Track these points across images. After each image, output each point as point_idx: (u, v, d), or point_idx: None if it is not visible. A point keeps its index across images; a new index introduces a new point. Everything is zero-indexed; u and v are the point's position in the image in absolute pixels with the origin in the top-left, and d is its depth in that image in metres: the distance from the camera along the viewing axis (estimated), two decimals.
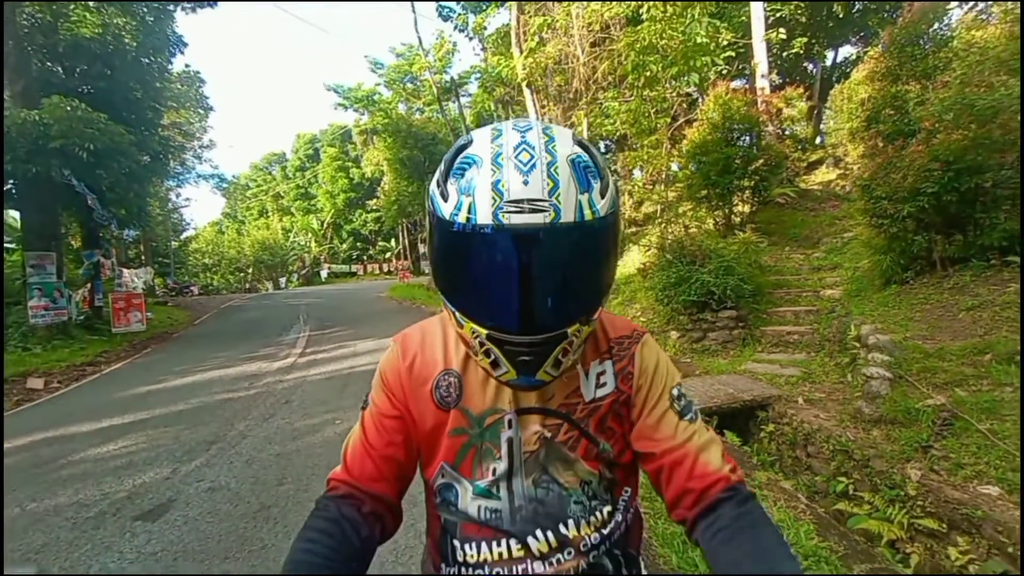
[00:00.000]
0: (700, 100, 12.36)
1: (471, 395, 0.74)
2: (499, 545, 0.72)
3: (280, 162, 50.45)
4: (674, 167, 11.46)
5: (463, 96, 26.73)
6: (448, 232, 0.62)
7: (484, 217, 0.58)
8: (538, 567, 0.71)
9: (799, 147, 13.64)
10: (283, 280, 37.24)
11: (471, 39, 18.80)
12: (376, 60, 27.96)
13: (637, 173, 14.16)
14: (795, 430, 4.29)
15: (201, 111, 26.19)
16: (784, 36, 10.97)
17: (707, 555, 0.66)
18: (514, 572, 0.71)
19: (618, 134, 13.50)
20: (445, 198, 0.62)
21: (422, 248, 37.66)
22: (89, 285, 12.36)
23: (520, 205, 0.57)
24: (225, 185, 37.62)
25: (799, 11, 13.88)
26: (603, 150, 22.95)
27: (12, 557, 2.75)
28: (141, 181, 12.81)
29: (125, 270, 16.79)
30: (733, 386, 5.01)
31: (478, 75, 25.59)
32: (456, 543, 0.75)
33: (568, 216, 0.58)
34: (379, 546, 0.73)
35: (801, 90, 12.87)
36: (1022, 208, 4.40)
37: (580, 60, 10.68)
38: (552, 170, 0.59)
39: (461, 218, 0.60)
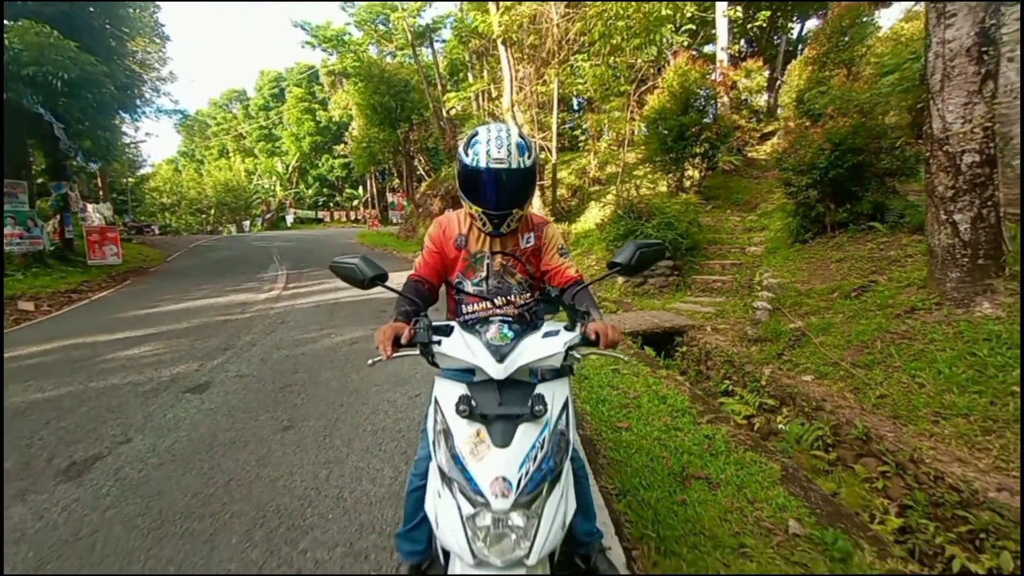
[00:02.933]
0: (670, 64, 13.14)
1: (471, 244, 1.72)
2: (482, 302, 1.72)
3: (241, 100, 48.03)
4: (643, 129, 12.32)
5: (436, 42, 26.32)
6: (469, 168, 1.56)
7: (483, 164, 1.53)
8: (498, 312, 1.72)
9: (754, 118, 14.71)
10: (247, 223, 36.59)
11: None
12: None
13: (607, 133, 14.99)
14: (700, 350, 5.55)
15: (157, 40, 24.81)
16: (741, 15, 11.74)
17: (563, 304, 1.69)
18: (488, 314, 1.72)
19: (588, 94, 14.21)
20: (467, 155, 1.56)
21: (391, 197, 37.58)
22: (59, 217, 12.44)
23: (497, 160, 1.52)
24: (188, 121, 35.88)
25: None
26: (575, 107, 23.49)
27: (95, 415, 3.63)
28: (109, 113, 12.71)
29: (89, 204, 16.60)
30: (659, 318, 6.22)
31: (451, 20, 25.20)
32: (463, 306, 1.75)
33: (514, 165, 1.53)
34: (427, 308, 1.72)
35: (761, 62, 13.82)
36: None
37: (554, 21, 11.21)
38: (509, 147, 1.53)
39: (474, 164, 1.54)
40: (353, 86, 26.04)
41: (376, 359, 1.36)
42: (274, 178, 42.10)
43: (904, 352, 3.62)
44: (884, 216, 5.78)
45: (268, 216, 39.36)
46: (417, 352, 1.32)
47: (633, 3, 8.36)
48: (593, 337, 1.34)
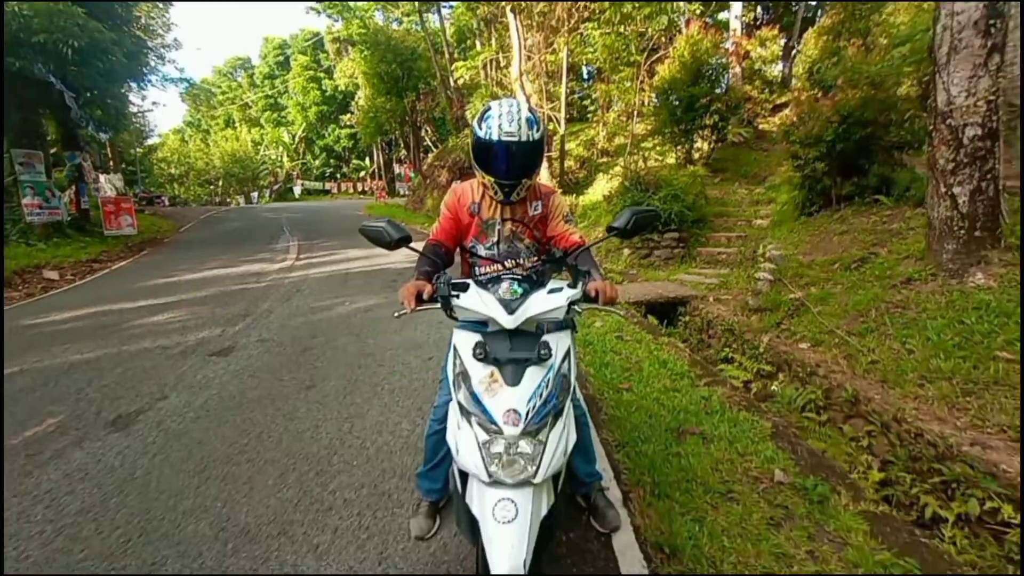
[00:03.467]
0: (682, 32, 12.83)
1: (484, 211, 1.87)
2: (493, 264, 1.89)
3: (246, 67, 47.39)
4: (654, 99, 12.12)
5: (444, 7, 25.69)
6: (482, 141, 1.69)
7: (495, 136, 1.66)
8: (507, 273, 1.89)
9: (767, 88, 14.39)
10: (255, 195, 36.67)
11: None
12: None
13: (616, 104, 14.77)
14: (702, 319, 5.71)
15: (160, 5, 24.43)
16: None
17: (567, 265, 1.84)
18: (499, 275, 1.89)
19: (598, 63, 13.96)
20: (480, 128, 1.69)
21: (398, 168, 37.38)
22: (74, 187, 12.63)
23: (508, 134, 1.66)
24: (193, 90, 35.70)
25: None
26: (585, 76, 23.06)
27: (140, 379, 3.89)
28: (117, 82, 12.73)
29: (101, 175, 16.75)
30: (663, 289, 6.37)
31: None
32: (477, 268, 1.91)
33: (524, 138, 1.67)
34: (444, 269, 1.88)
35: (776, 31, 13.45)
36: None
37: None
38: (520, 120, 1.66)
39: (487, 136, 1.67)
40: (359, 54, 25.64)
41: (402, 312, 1.54)
42: (281, 148, 41.92)
43: (897, 320, 3.76)
44: (890, 189, 5.81)
45: (276, 187, 39.39)
46: (438, 306, 1.49)
47: None
48: (593, 294, 1.51)
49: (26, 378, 3.80)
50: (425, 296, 1.51)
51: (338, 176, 43.60)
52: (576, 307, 1.49)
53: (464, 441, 1.31)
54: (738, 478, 2.49)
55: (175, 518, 2.13)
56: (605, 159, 13.58)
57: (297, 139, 41.99)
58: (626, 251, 8.25)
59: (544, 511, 1.30)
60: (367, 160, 41.33)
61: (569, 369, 1.45)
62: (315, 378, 3.71)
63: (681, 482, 2.42)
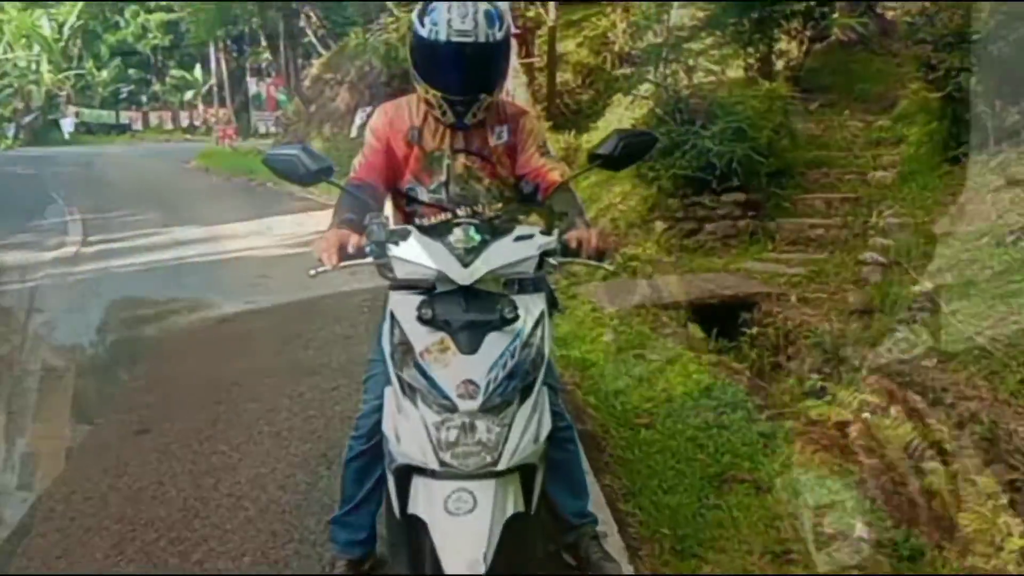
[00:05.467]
0: None
1: (426, 140, 2.45)
2: (441, 213, 2.46)
3: None
4: None
5: None
6: (425, 41, 2.18)
7: (443, 36, 2.16)
8: (460, 220, 2.47)
9: None
10: None
11: None
12: None
13: None
14: (778, 330, 6.41)
15: None
16: None
17: (539, 206, 2.45)
18: (450, 222, 2.46)
19: None
20: (423, 25, 2.24)
21: (255, 86, 37.62)
22: None
23: (460, 32, 2.20)
24: None
25: None
26: None
27: None
28: None
29: None
30: (717, 284, 7.08)
31: None
32: (417, 220, 2.48)
33: (482, 38, 2.21)
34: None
35: None
36: None
37: None
38: (475, 15, 2.24)
39: (431, 36, 2.20)
40: None
41: (320, 269, 2.07)
42: (37, 48, 41.65)
43: None
44: None
45: (27, 121, 39.12)
46: (369, 260, 2.02)
47: None
48: (574, 244, 2.07)
49: None
50: (351, 249, 2.04)
51: (144, 101, 43.54)
52: (551, 260, 2.06)
53: (406, 427, 1.84)
54: (803, 536, 3.12)
55: None
56: (625, 69, 14.23)
57: (68, 31, 41.83)
58: (659, 223, 8.90)
59: (510, 511, 1.83)
60: (198, 71, 41.45)
61: (542, 340, 2.01)
62: (146, 420, 4.21)
63: (717, 539, 3.03)
